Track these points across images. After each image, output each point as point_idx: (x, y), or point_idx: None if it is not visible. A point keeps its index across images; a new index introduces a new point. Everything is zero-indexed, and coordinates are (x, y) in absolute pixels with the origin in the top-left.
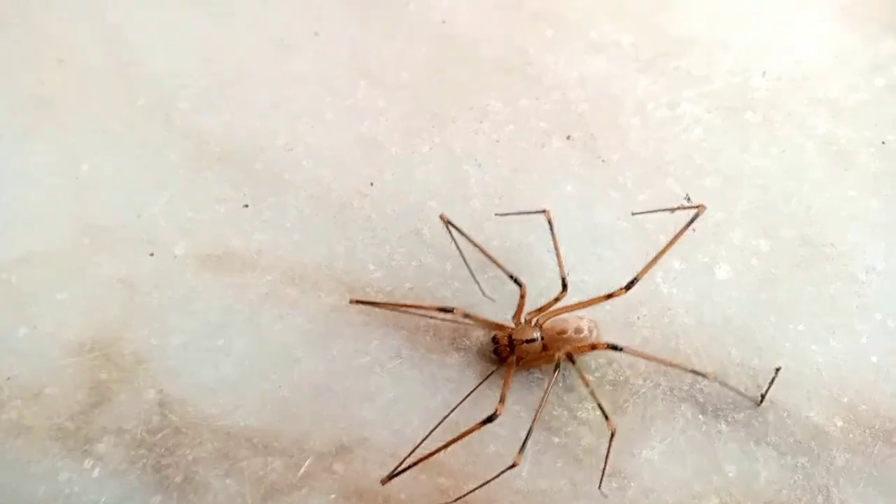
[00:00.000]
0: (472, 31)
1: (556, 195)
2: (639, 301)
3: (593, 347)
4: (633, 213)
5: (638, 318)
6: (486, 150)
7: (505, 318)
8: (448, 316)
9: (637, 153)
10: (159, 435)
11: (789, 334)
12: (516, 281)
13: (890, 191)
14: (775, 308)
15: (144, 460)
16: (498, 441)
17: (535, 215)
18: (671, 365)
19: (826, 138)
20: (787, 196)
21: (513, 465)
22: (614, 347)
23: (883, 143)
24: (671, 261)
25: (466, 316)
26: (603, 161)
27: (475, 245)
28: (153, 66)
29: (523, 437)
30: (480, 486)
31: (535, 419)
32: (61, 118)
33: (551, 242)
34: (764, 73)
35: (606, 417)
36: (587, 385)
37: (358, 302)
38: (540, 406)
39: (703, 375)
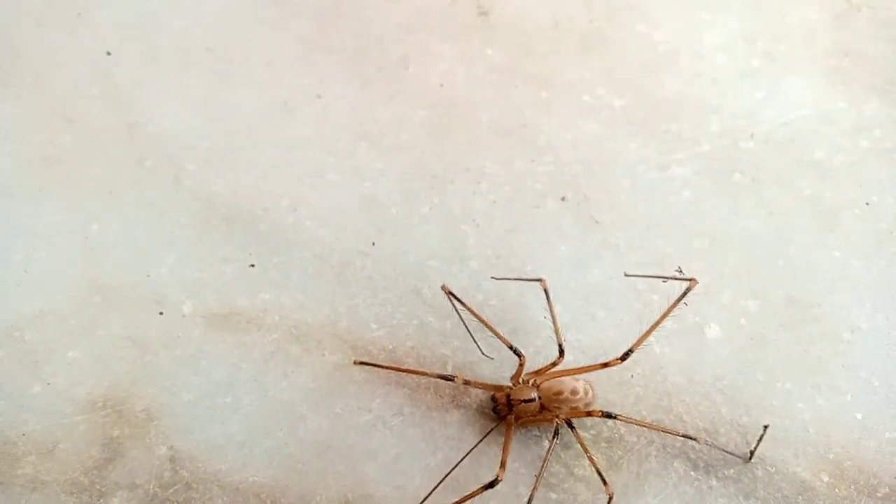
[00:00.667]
0: (469, 95)
1: (550, 255)
2: (633, 360)
3: (589, 414)
4: (626, 275)
5: (632, 376)
6: (484, 210)
7: (503, 376)
8: (450, 383)
9: (628, 214)
10: (171, 490)
11: (777, 392)
12: (516, 352)
13: (873, 251)
14: (763, 367)
15: None
16: (497, 497)
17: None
18: (663, 430)
19: (812, 200)
20: (773, 257)
21: None
22: (609, 415)
23: (867, 203)
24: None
25: (467, 382)
26: (596, 222)
27: (476, 315)
28: (160, 127)
29: (522, 494)
30: None
31: (535, 486)
32: (70, 178)
33: (548, 309)
34: (752, 135)
35: (605, 482)
36: (586, 451)
37: (362, 363)
38: (540, 472)
39: (695, 440)
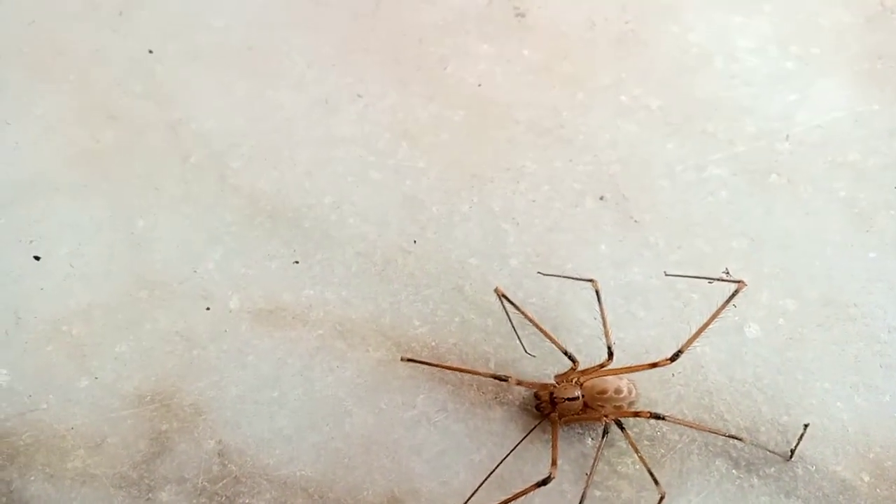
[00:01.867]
0: (507, 95)
1: (590, 254)
2: None
3: (636, 414)
4: (666, 274)
5: (673, 374)
6: (523, 209)
7: (545, 373)
8: (503, 384)
9: (667, 214)
10: (220, 484)
11: (816, 392)
12: (570, 357)
13: None
14: (802, 366)
15: None
16: (542, 495)
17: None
18: (709, 430)
19: (847, 201)
20: (810, 257)
21: None
22: (657, 416)
23: None
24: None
25: (520, 383)
26: (635, 221)
27: (530, 319)
28: (203, 125)
29: (566, 491)
30: None
31: (587, 484)
32: (115, 174)
33: (596, 308)
34: (787, 136)
35: (657, 482)
36: (636, 451)
37: (410, 360)
38: (591, 470)
39: (740, 439)
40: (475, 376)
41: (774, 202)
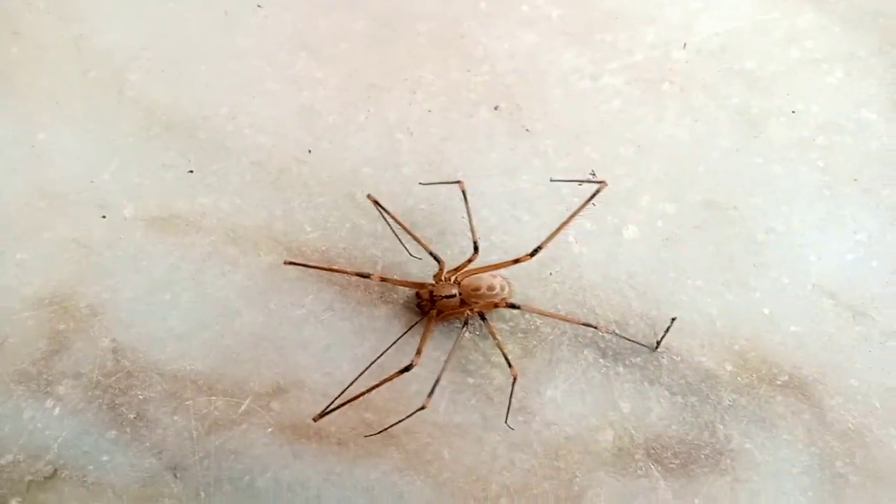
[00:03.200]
0: (409, 5)
1: (481, 162)
2: (552, 259)
3: (495, 306)
4: (551, 180)
5: (550, 273)
6: (419, 119)
7: (430, 275)
8: (362, 279)
9: (558, 123)
10: (113, 378)
11: (687, 289)
12: (435, 257)
13: (795, 157)
14: (676, 265)
15: (100, 400)
16: (419, 381)
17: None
18: (564, 319)
19: (738, 108)
20: (695, 163)
21: (422, 408)
22: (513, 306)
23: (793, 111)
24: (583, 222)
25: (384, 279)
26: (527, 130)
27: (399, 223)
28: (104, 39)
29: (441, 380)
30: (397, 422)
31: (442, 370)
32: (18, 90)
33: (471, 209)
34: (685, 44)
35: (510, 365)
36: (495, 337)
37: (291, 263)
38: (447, 358)
39: (595, 327)
40: (362, 278)
41: (665, 110)
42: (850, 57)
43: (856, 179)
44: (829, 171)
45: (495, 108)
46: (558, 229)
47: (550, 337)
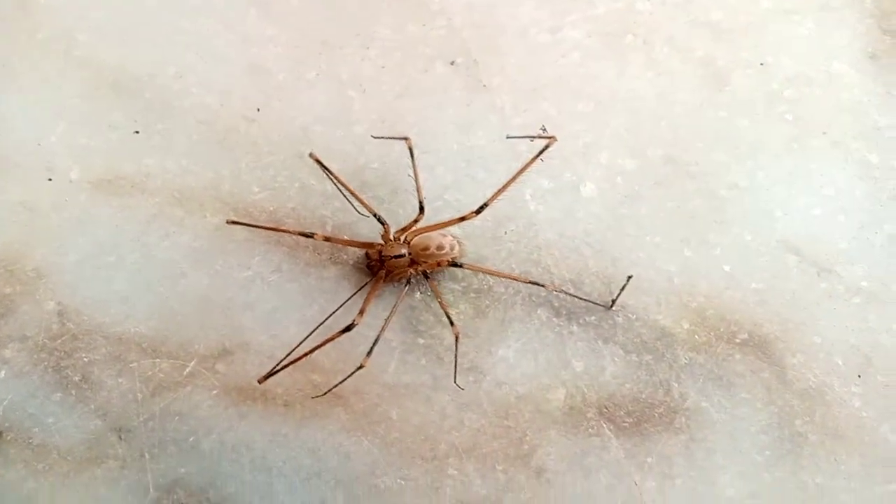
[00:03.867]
0: None
1: (437, 119)
2: (507, 217)
3: (438, 265)
4: (507, 137)
5: (505, 232)
6: (372, 76)
7: (379, 235)
8: (310, 240)
9: (516, 78)
10: (59, 341)
11: (645, 246)
12: (379, 219)
13: (762, 111)
14: (634, 222)
15: (46, 363)
16: (367, 343)
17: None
18: (510, 277)
19: (703, 61)
20: (656, 118)
21: (360, 367)
22: (455, 264)
23: (761, 64)
24: (540, 179)
25: (328, 239)
26: (484, 86)
27: (341, 183)
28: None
29: (390, 339)
30: (340, 382)
31: (382, 328)
32: None
33: (420, 162)
34: None
35: (451, 323)
36: (438, 296)
37: (234, 223)
38: (388, 317)
39: (542, 286)
40: (312, 239)
41: (627, 64)
42: (823, 7)
43: (825, 133)
44: (798, 125)
45: (451, 64)
46: (505, 186)
47: (504, 297)
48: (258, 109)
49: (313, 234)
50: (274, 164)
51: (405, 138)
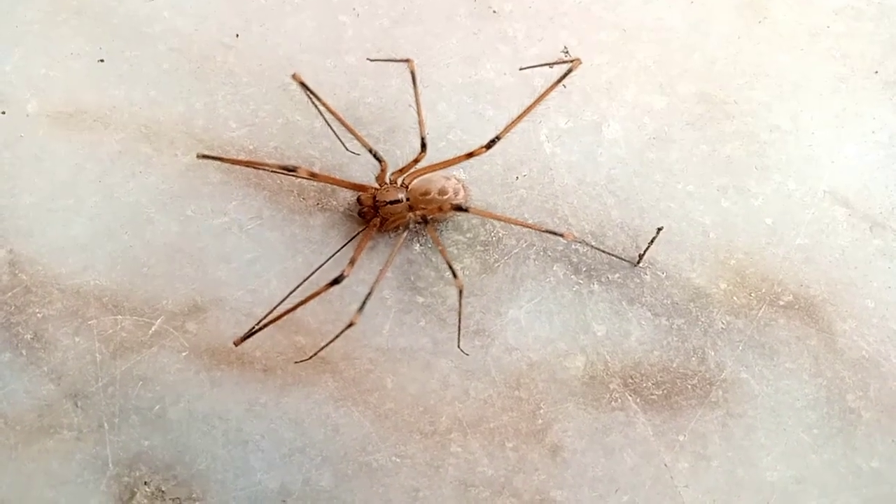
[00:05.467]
0: None
1: (439, 49)
2: (519, 160)
3: (440, 209)
4: (520, 69)
5: (517, 177)
6: None
7: (370, 177)
8: (295, 183)
9: (531, 3)
10: (9, 294)
11: (676, 195)
12: (376, 156)
13: (805, 46)
14: (663, 168)
15: None
16: (359, 300)
17: (401, 64)
18: (522, 224)
19: None
20: (689, 50)
21: (350, 325)
22: (459, 208)
23: None
24: (557, 118)
25: (313, 175)
26: (494, 11)
27: (332, 112)
28: None
29: (385, 297)
30: (326, 344)
31: (376, 281)
32: None
33: (420, 96)
34: None
35: (455, 275)
36: (438, 244)
37: (205, 157)
38: (383, 268)
39: (560, 235)
40: (295, 180)
41: None
42: None
43: (876, 72)
44: (846, 62)
45: None
46: (521, 116)
47: (515, 250)
48: (237, 35)
49: (296, 168)
50: (254, 97)
51: (407, 60)
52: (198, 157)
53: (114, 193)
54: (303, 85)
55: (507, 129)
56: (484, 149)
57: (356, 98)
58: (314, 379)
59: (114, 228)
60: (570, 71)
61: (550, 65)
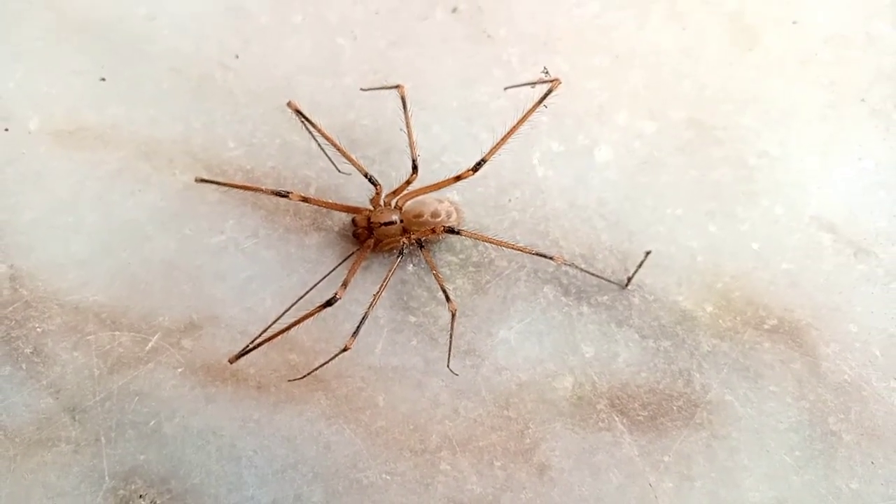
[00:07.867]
0: None
1: (434, 72)
2: (511, 183)
3: (433, 231)
4: (505, 88)
5: (510, 200)
6: (364, 21)
7: (366, 196)
8: (291, 203)
9: (525, 29)
10: (9, 308)
11: (665, 219)
12: (371, 179)
13: (795, 72)
14: (653, 192)
15: None
16: (351, 319)
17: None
18: (513, 248)
19: (733, 16)
20: (680, 76)
21: (344, 349)
22: (451, 231)
23: (794, 22)
24: (550, 142)
25: (305, 199)
26: (488, 36)
27: (326, 138)
28: None
29: (380, 316)
30: (321, 365)
31: (370, 305)
32: None
33: (415, 120)
34: None
35: (448, 299)
36: (433, 268)
37: (203, 181)
38: (377, 292)
39: (550, 258)
40: (291, 202)
41: (648, 15)
42: None
43: (863, 99)
44: (834, 90)
45: (453, 11)
46: (504, 138)
47: (507, 271)
48: (236, 56)
49: (289, 193)
50: (252, 118)
51: (397, 86)
52: (196, 181)
53: (113, 211)
54: (298, 112)
55: (492, 151)
56: (471, 171)
57: (352, 119)
58: (307, 396)
59: (113, 245)
60: (550, 91)
61: (532, 84)
